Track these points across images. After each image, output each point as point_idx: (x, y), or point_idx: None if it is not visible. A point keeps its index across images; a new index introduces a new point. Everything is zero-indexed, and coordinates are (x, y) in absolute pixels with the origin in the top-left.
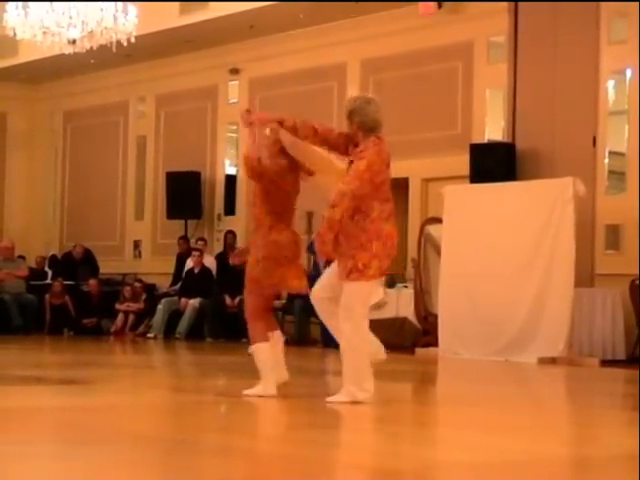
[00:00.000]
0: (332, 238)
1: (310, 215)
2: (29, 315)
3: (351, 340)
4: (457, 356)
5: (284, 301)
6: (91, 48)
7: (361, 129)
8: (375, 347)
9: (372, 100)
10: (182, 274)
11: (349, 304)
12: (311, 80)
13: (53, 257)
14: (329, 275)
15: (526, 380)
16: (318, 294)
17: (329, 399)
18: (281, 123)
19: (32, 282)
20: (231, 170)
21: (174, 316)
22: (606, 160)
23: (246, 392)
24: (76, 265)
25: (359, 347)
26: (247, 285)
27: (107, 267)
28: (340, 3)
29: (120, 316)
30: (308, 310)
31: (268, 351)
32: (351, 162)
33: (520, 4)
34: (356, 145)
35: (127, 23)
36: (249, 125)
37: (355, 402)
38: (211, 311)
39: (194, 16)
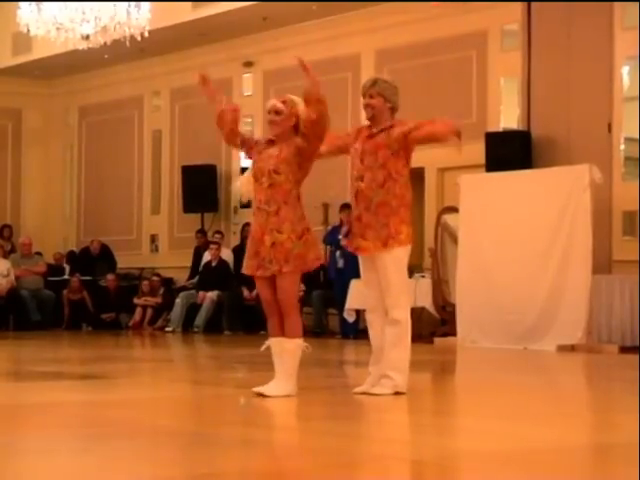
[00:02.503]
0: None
1: (326, 206)
2: (47, 311)
3: (402, 322)
4: (476, 345)
5: (302, 292)
6: (105, 43)
7: (392, 110)
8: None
9: None
10: (199, 267)
11: (390, 277)
12: (325, 71)
13: (71, 253)
14: (363, 289)
15: (545, 368)
16: (372, 316)
17: (372, 390)
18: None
19: (50, 278)
20: (246, 163)
21: (192, 309)
22: (622, 146)
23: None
24: (94, 260)
25: (408, 330)
26: (288, 267)
27: (124, 262)
28: None
29: (138, 310)
30: (326, 301)
31: None
32: (370, 136)
33: None
34: (370, 126)
35: (140, 18)
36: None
37: (397, 393)
38: (229, 304)
39: (207, 9)
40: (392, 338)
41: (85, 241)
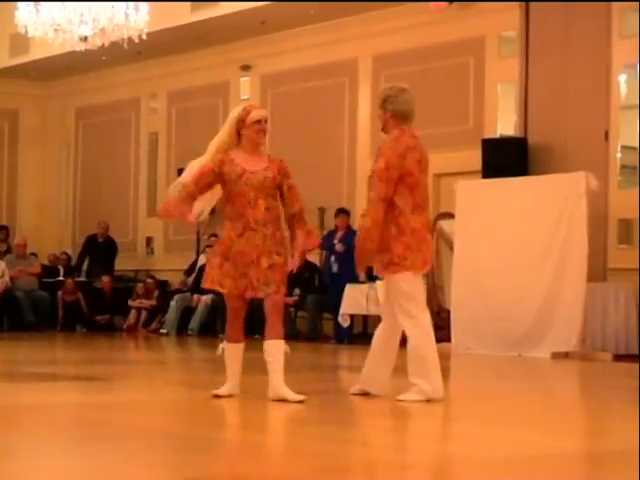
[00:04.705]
0: (374, 243)
1: (322, 210)
2: (42, 312)
3: (410, 334)
4: (470, 351)
5: (296, 297)
6: (102, 45)
7: (394, 117)
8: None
9: (406, 90)
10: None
11: (396, 298)
12: (322, 76)
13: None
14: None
15: (539, 375)
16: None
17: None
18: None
19: (44, 279)
20: None
21: (187, 312)
22: (618, 154)
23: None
24: (100, 247)
25: (420, 341)
26: (284, 287)
27: (120, 264)
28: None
29: (133, 312)
30: (321, 306)
31: None
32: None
33: None
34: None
35: (138, 20)
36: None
37: (427, 400)
38: (223, 307)
39: (205, 13)
40: (409, 350)
41: (80, 243)
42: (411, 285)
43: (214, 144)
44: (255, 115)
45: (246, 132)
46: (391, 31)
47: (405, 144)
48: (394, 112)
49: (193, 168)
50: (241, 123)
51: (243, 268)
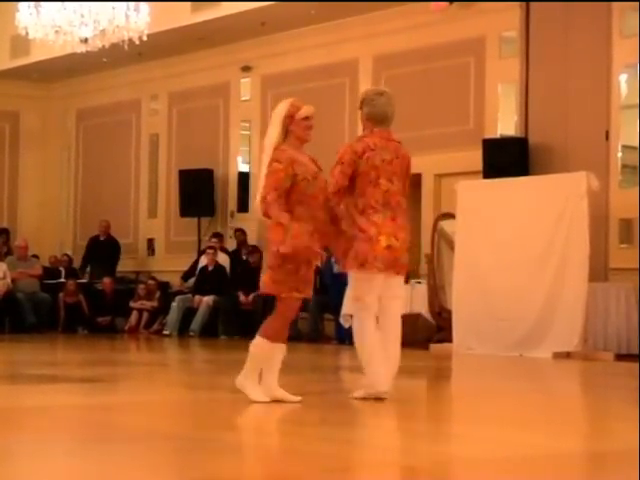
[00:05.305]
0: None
1: None
2: (43, 314)
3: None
4: (471, 352)
5: None
6: (103, 47)
7: (369, 120)
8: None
9: (384, 93)
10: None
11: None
12: (323, 76)
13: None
14: None
15: (541, 375)
16: None
17: (354, 394)
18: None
19: (46, 281)
20: (244, 167)
21: (188, 313)
22: (619, 154)
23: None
24: (102, 246)
25: (356, 338)
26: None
27: (121, 265)
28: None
29: (134, 314)
30: (322, 306)
31: None
32: None
33: None
34: None
35: (139, 21)
36: None
37: (375, 397)
38: (225, 308)
39: (206, 14)
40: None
41: (81, 245)
42: (357, 284)
43: (271, 144)
44: (305, 111)
45: (294, 128)
46: (391, 31)
47: (365, 144)
48: (369, 115)
49: (261, 180)
50: (289, 119)
51: (311, 271)
